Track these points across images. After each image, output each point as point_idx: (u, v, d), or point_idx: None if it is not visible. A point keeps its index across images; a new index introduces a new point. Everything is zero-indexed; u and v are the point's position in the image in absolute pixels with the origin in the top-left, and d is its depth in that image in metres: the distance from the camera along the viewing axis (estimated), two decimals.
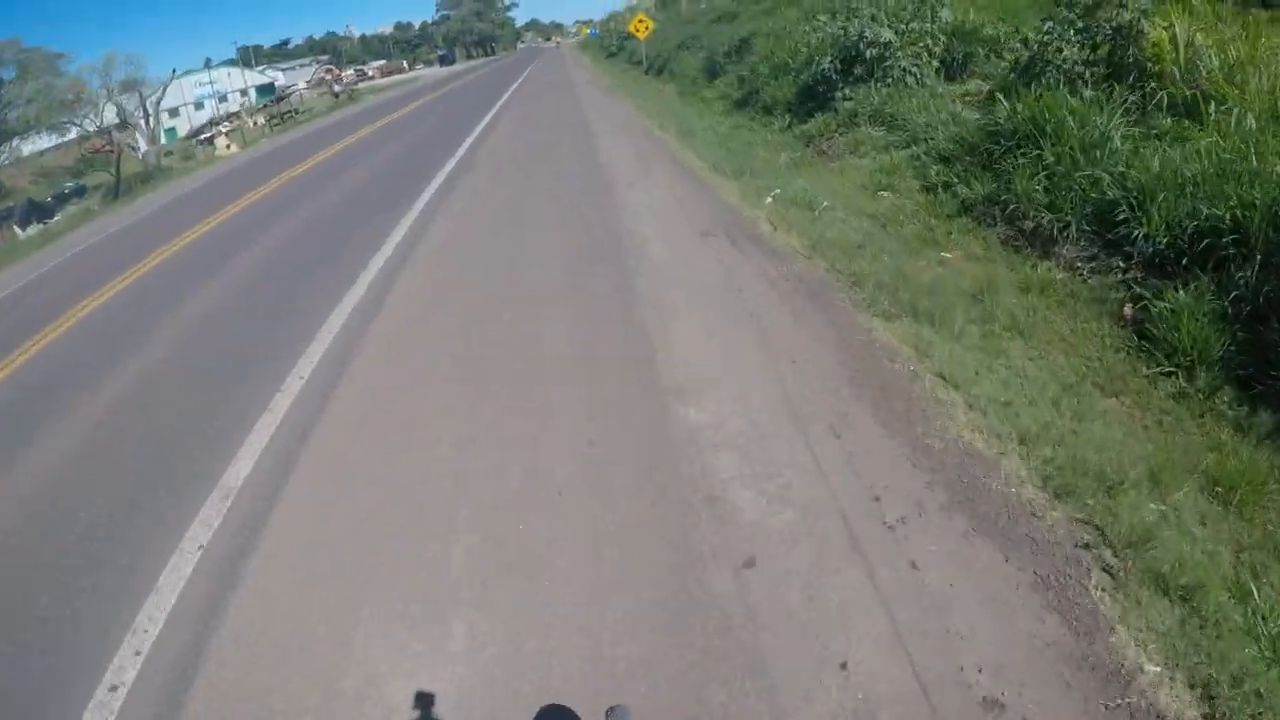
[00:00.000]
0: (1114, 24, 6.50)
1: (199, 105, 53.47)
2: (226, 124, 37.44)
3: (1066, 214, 5.19)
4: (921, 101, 8.49)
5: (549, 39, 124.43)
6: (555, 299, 5.91)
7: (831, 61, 10.29)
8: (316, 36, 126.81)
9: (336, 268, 7.63)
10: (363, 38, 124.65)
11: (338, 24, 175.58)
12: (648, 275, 6.03)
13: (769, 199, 7.39)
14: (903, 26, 9.70)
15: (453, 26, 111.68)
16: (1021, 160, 5.80)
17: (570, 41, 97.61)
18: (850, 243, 5.92)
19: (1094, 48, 6.73)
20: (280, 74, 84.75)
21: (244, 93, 62.25)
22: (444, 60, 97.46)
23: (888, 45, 9.47)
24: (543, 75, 36.55)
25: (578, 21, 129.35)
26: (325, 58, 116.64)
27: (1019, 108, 6.23)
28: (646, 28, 24.45)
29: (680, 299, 5.49)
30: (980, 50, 9.22)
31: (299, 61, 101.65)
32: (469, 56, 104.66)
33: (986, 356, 4.15)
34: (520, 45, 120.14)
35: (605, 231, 7.35)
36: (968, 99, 8.27)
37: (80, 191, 28.31)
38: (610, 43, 47.04)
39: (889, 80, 9.36)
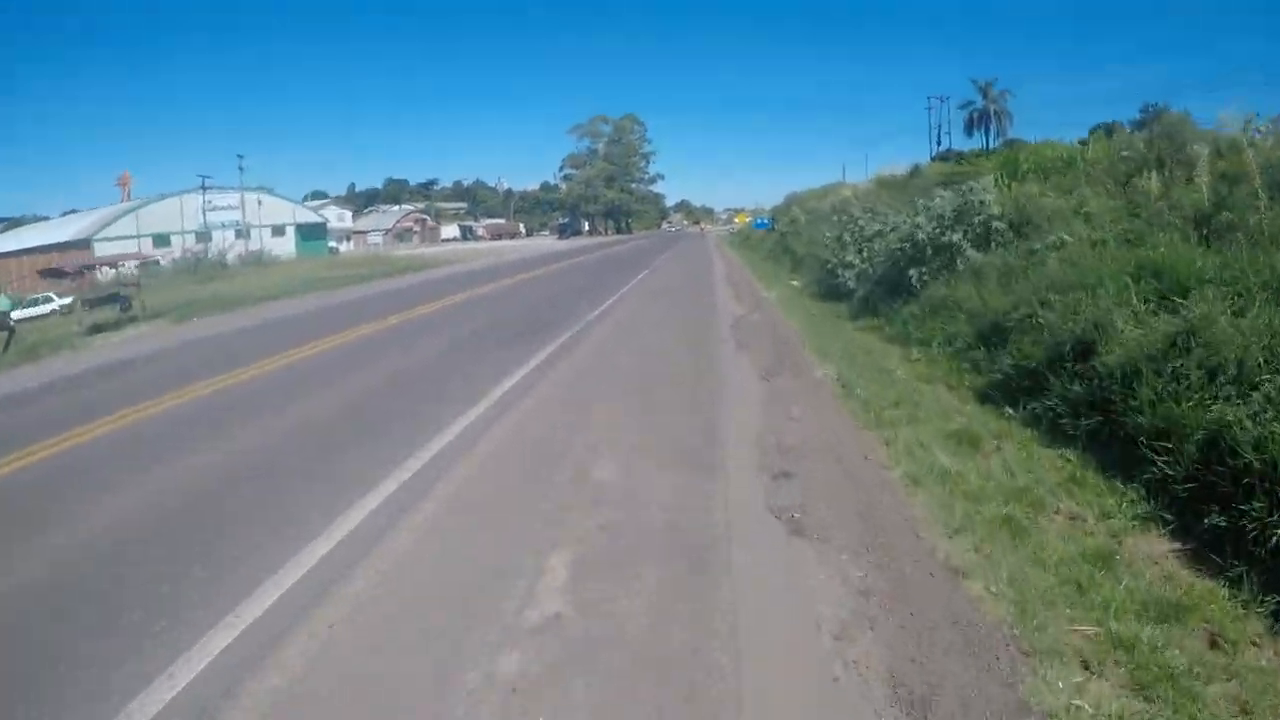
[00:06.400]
0: None
1: (201, 235, 45.29)
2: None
3: None
4: None
5: (697, 223, 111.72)
6: None
7: None
8: (466, 183, 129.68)
9: None
10: (509, 192, 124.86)
11: (493, 174, 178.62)
12: None
13: None
14: None
15: (575, 189, 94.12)
16: None
17: (719, 230, 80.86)
18: None
19: None
20: (347, 212, 77.60)
21: (278, 230, 54.16)
22: (563, 231, 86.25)
23: None
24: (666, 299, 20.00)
25: (729, 209, 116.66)
26: (464, 205, 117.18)
27: None
28: None
29: None
30: None
31: (404, 206, 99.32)
32: (593, 231, 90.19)
33: None
34: (665, 226, 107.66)
35: None
36: None
37: None
38: (798, 244, 25.09)
39: None
